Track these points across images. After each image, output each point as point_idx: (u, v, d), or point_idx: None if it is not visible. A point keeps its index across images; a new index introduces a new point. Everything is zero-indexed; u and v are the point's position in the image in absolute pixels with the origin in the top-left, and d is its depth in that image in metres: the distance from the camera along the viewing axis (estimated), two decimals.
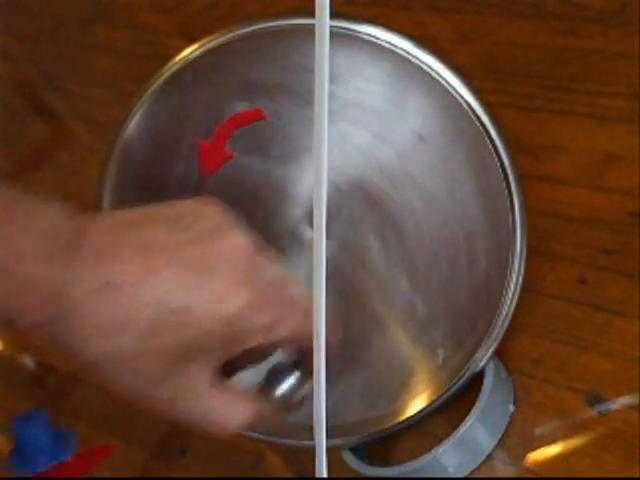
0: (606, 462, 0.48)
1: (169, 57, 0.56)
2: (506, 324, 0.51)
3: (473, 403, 0.50)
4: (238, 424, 0.37)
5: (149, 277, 0.33)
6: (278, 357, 0.38)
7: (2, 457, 0.65)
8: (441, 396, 0.52)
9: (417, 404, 0.53)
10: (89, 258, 0.33)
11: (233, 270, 0.34)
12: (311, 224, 0.54)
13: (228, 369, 0.37)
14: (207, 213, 0.36)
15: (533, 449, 0.51)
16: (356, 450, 0.54)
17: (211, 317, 0.33)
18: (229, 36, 0.55)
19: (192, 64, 0.55)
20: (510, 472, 0.51)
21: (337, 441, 0.53)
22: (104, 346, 0.34)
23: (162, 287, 0.33)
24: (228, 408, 0.37)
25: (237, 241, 0.35)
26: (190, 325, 0.33)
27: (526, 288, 0.51)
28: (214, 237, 0.34)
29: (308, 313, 0.33)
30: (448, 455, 0.50)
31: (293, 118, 0.54)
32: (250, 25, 0.54)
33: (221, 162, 0.55)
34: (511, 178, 0.51)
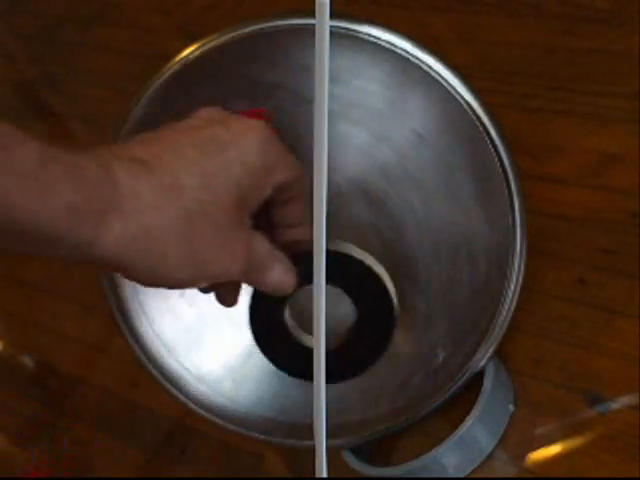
0: (606, 462, 0.49)
1: (169, 57, 0.56)
2: (506, 324, 0.51)
3: (473, 403, 0.50)
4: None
5: (175, 152, 0.39)
6: None
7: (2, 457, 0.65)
8: (441, 396, 0.52)
9: (417, 404, 0.53)
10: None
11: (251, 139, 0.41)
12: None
13: None
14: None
15: (533, 449, 0.51)
16: (356, 450, 0.54)
17: (240, 168, 0.40)
18: (229, 36, 0.55)
19: (192, 64, 0.55)
20: (510, 472, 0.51)
21: (337, 441, 0.53)
22: (157, 218, 0.37)
23: (192, 158, 0.39)
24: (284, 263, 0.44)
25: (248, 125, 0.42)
26: (224, 178, 0.39)
27: (526, 288, 0.51)
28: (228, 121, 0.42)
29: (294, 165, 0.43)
30: (448, 455, 0.50)
31: (293, 118, 0.54)
32: (250, 25, 0.54)
33: None
34: (511, 178, 0.51)
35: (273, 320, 0.49)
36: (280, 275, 0.44)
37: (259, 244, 0.43)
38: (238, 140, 0.41)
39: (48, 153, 0.35)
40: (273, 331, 0.49)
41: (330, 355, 0.47)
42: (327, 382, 0.49)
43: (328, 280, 0.44)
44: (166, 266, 0.38)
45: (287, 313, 0.49)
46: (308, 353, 0.49)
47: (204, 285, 0.42)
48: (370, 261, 0.48)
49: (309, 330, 0.49)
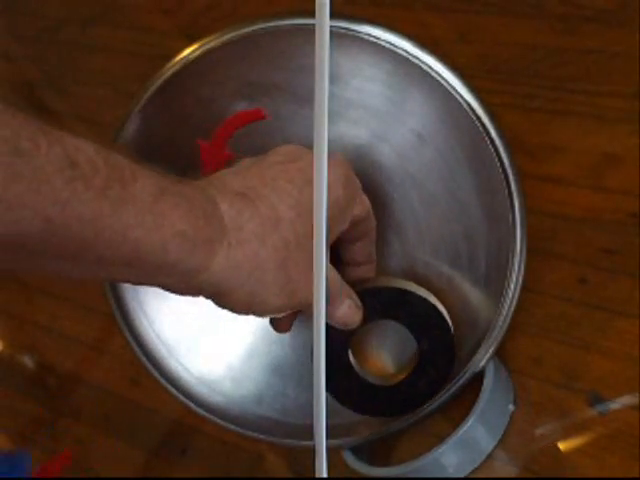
0: (606, 462, 0.49)
1: (169, 57, 0.56)
2: (506, 324, 0.51)
3: (473, 403, 0.50)
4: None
5: (270, 185, 0.41)
6: None
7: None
8: (441, 396, 0.52)
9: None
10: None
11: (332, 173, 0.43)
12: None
13: None
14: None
15: (533, 449, 0.51)
16: (356, 450, 0.54)
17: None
18: (229, 36, 0.55)
19: (192, 64, 0.55)
20: (510, 472, 0.51)
21: (337, 441, 0.53)
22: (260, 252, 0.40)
23: (286, 191, 0.41)
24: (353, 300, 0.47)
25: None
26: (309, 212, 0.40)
27: (526, 288, 0.51)
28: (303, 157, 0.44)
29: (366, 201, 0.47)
30: (448, 455, 0.50)
31: (293, 118, 0.54)
32: (250, 25, 0.54)
33: (222, 162, 0.55)
34: (511, 178, 0.51)
35: (336, 357, 0.51)
36: (349, 309, 0.47)
37: (334, 277, 0.45)
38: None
39: (160, 185, 0.37)
40: (336, 368, 0.51)
41: (391, 390, 0.50)
42: (385, 415, 0.51)
43: (392, 317, 0.47)
44: (264, 294, 0.40)
45: (350, 350, 0.50)
46: (372, 390, 0.51)
47: (286, 313, 0.44)
48: (433, 299, 0.50)
49: (373, 367, 0.51)
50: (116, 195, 0.34)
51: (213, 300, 0.41)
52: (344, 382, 0.51)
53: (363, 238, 0.49)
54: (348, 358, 0.51)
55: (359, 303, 0.48)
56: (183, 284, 0.39)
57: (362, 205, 0.47)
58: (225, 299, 0.41)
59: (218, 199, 0.39)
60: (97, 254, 0.35)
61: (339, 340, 0.50)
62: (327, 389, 0.51)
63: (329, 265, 0.44)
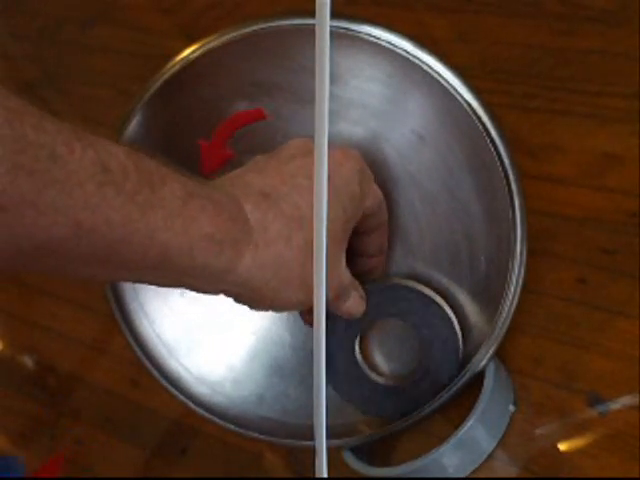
0: (606, 462, 0.49)
1: (169, 57, 0.56)
2: (506, 324, 0.51)
3: (473, 403, 0.50)
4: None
5: (290, 183, 0.42)
6: None
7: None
8: (441, 396, 0.52)
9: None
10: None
11: (345, 169, 0.44)
12: None
13: None
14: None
15: (533, 449, 0.51)
16: (356, 450, 0.54)
17: (346, 196, 0.43)
18: (229, 36, 0.55)
19: (192, 64, 0.55)
20: (510, 472, 0.51)
21: (337, 441, 0.53)
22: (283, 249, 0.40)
23: (306, 187, 0.42)
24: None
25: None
26: (335, 206, 0.41)
27: (526, 288, 0.51)
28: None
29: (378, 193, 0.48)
30: (448, 455, 0.50)
31: (293, 118, 0.54)
32: (250, 25, 0.54)
33: (221, 162, 0.55)
34: (511, 178, 0.51)
35: (343, 354, 0.51)
36: (355, 301, 0.48)
37: (345, 272, 0.46)
38: (340, 168, 0.44)
39: (187, 188, 0.37)
40: (343, 364, 0.52)
41: (394, 389, 0.50)
42: (387, 415, 0.51)
43: (398, 315, 0.48)
44: (286, 291, 0.41)
45: (357, 347, 0.51)
46: (376, 388, 0.51)
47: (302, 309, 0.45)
48: (439, 299, 0.50)
49: (378, 365, 0.51)
50: (145, 199, 0.35)
51: (235, 298, 0.42)
52: (349, 379, 0.51)
53: (376, 230, 0.49)
54: (355, 355, 0.51)
55: (363, 294, 0.48)
56: (209, 285, 0.40)
57: (374, 197, 0.47)
58: (248, 296, 0.41)
59: (242, 200, 0.40)
60: (126, 258, 0.35)
61: (347, 337, 0.51)
62: (332, 386, 0.52)
63: (343, 259, 0.45)
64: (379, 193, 0.48)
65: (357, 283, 0.48)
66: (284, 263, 0.40)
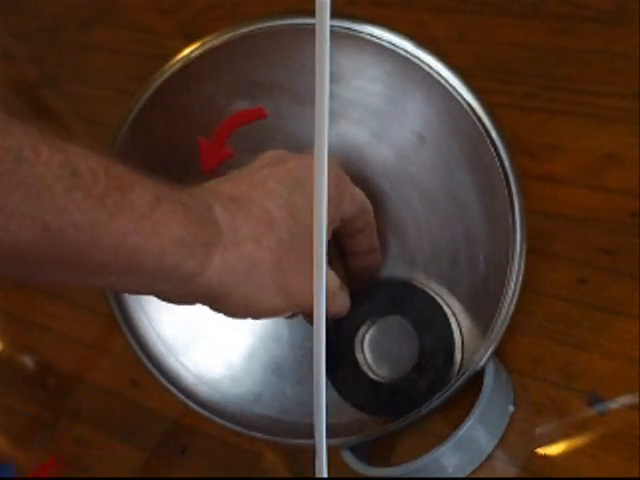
0: (606, 462, 0.48)
1: (169, 57, 0.56)
2: (506, 324, 0.51)
3: (473, 403, 0.50)
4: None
5: (260, 188, 0.42)
6: None
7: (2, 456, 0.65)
8: (441, 396, 0.52)
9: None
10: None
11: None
12: None
13: None
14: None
15: (533, 449, 0.51)
16: (356, 450, 0.54)
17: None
18: (229, 36, 0.55)
19: (192, 64, 0.55)
20: (510, 472, 0.51)
21: (337, 441, 0.53)
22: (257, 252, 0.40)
23: (277, 192, 0.42)
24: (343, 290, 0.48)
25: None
26: (306, 210, 0.41)
27: (526, 288, 0.51)
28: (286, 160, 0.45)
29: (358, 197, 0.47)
30: (448, 455, 0.50)
31: (294, 117, 0.54)
32: (250, 25, 0.54)
33: (221, 160, 0.55)
34: (511, 178, 0.51)
35: (342, 351, 0.51)
36: (342, 302, 0.48)
37: (331, 275, 0.46)
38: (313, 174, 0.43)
39: (157, 192, 0.37)
40: (342, 361, 0.52)
41: (392, 387, 0.50)
42: (385, 414, 0.51)
43: (397, 311, 0.48)
44: (261, 295, 0.41)
45: (356, 345, 0.51)
46: (374, 386, 0.51)
47: (287, 315, 0.45)
48: (438, 299, 0.50)
49: (379, 364, 0.51)
50: (114, 203, 0.35)
51: (211, 305, 0.42)
52: (349, 378, 0.51)
53: (363, 231, 0.49)
54: (354, 354, 0.51)
55: (347, 294, 0.49)
56: (180, 290, 0.40)
57: (353, 202, 0.47)
58: (222, 302, 0.41)
59: (213, 204, 0.40)
60: (96, 262, 0.35)
61: (346, 336, 0.51)
62: (331, 385, 0.52)
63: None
64: (359, 197, 0.48)
65: (342, 284, 0.48)
66: (254, 265, 0.40)
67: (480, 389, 0.50)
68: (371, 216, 0.50)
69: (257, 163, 0.45)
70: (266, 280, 0.41)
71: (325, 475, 0.39)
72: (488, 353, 0.51)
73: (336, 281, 0.47)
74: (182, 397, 0.57)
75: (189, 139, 0.55)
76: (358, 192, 0.48)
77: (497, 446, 0.51)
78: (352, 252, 0.50)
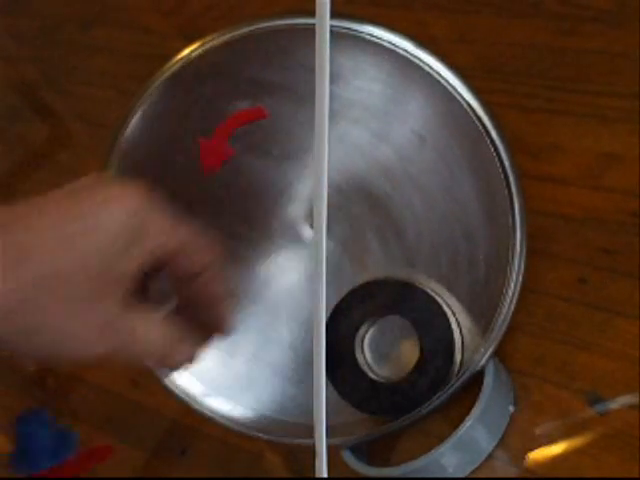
0: (606, 462, 0.48)
1: (169, 57, 0.56)
2: (506, 324, 0.51)
3: (473, 403, 0.50)
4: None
5: (41, 216, 0.38)
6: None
7: (2, 456, 0.65)
8: (441, 396, 0.52)
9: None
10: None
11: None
12: (311, 223, 0.54)
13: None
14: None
15: (533, 449, 0.51)
16: (356, 450, 0.54)
17: (101, 235, 0.38)
18: (229, 36, 0.55)
19: (192, 64, 0.55)
20: (510, 472, 0.51)
21: (337, 441, 0.53)
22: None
23: (52, 222, 0.38)
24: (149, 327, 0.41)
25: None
26: (82, 243, 0.38)
27: (526, 288, 0.51)
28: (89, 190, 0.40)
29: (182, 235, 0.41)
30: (448, 455, 0.50)
31: (294, 117, 0.54)
32: (250, 25, 0.54)
33: (221, 160, 0.55)
34: (511, 178, 0.51)
35: (342, 351, 0.51)
36: (180, 357, 0.43)
37: (152, 327, 0.41)
38: (98, 209, 0.39)
39: None
40: (342, 361, 0.52)
41: (392, 388, 0.50)
42: (385, 414, 0.51)
43: (397, 311, 0.47)
44: (20, 336, 0.37)
45: (357, 347, 0.51)
46: (374, 386, 0.51)
47: (64, 363, 0.42)
48: (439, 299, 0.50)
49: (379, 364, 0.51)
50: None
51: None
52: (349, 378, 0.51)
53: (201, 275, 0.43)
54: (354, 354, 0.51)
55: (190, 344, 0.43)
56: None
57: (169, 237, 0.41)
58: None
59: None
60: None
61: (346, 336, 0.51)
62: (332, 385, 0.52)
63: (155, 319, 0.41)
64: (184, 233, 0.41)
65: (182, 335, 0.42)
66: (3, 303, 0.36)
67: (480, 389, 0.50)
68: (208, 259, 0.42)
69: (67, 187, 0.40)
70: (18, 319, 0.37)
71: (325, 475, 0.39)
72: (488, 353, 0.51)
73: (173, 333, 0.42)
74: (182, 397, 0.57)
75: (189, 139, 0.55)
76: (185, 229, 0.41)
77: (497, 446, 0.51)
78: (195, 301, 0.44)
